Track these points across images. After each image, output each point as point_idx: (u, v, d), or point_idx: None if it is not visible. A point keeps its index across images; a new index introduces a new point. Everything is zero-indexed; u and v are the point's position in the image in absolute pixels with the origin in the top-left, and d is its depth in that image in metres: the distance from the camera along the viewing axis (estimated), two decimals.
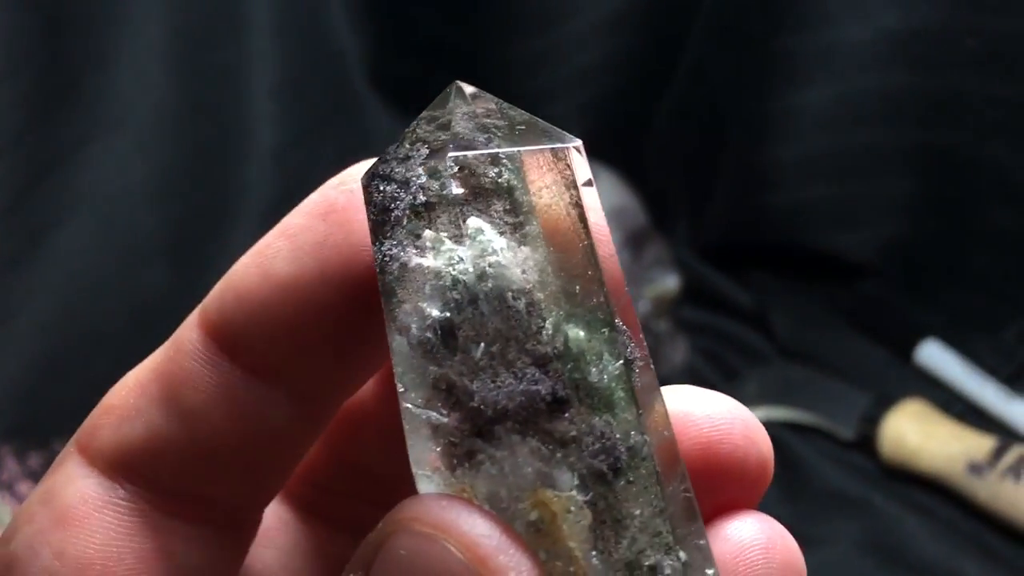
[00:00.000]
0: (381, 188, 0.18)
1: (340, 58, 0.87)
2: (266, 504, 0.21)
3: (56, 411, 0.70)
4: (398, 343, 0.17)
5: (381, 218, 0.17)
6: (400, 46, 0.89)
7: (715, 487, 0.20)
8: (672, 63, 0.84)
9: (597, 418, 0.17)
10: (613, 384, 0.17)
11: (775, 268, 0.85)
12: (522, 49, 0.84)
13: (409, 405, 0.17)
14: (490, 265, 0.17)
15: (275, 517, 0.22)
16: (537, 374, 0.17)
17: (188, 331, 0.19)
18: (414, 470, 0.17)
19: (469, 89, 0.19)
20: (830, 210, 0.80)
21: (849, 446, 0.72)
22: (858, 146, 0.78)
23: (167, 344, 0.20)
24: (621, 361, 0.17)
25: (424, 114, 0.18)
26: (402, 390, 0.17)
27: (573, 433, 0.17)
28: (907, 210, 0.79)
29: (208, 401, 0.19)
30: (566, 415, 0.17)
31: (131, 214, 0.76)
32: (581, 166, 0.18)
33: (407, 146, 0.18)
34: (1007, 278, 0.76)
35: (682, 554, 0.17)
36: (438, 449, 0.17)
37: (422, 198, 0.17)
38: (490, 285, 0.17)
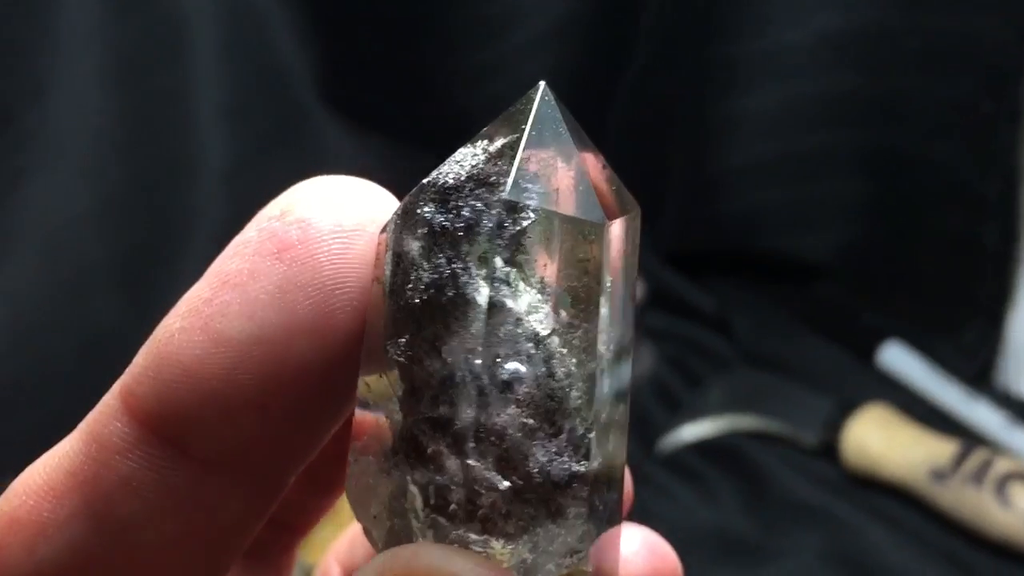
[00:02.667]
0: (483, 197, 0.16)
1: (287, 76, 0.86)
2: None
3: (6, 449, 0.68)
4: (437, 366, 0.15)
5: (459, 230, 0.16)
6: (347, 62, 0.88)
7: None
8: (617, 72, 0.84)
9: (610, 496, 0.17)
10: (621, 460, 0.17)
11: (735, 272, 0.85)
12: (468, 61, 0.83)
13: (470, 445, 0.16)
14: (560, 331, 0.16)
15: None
16: (569, 451, 0.16)
17: (111, 421, 0.16)
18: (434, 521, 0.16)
19: (553, 102, 0.17)
20: (783, 214, 0.80)
21: (812, 454, 0.71)
22: (806, 149, 0.77)
23: (82, 437, 0.16)
24: (623, 429, 0.17)
25: (520, 129, 0.17)
26: (469, 439, 0.15)
27: (600, 510, 0.16)
28: (859, 212, 0.78)
29: (150, 508, 0.16)
30: (608, 487, 0.16)
31: (77, 245, 0.75)
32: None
33: (518, 158, 0.16)
34: (963, 279, 0.75)
35: None
36: (464, 504, 0.16)
37: (529, 232, 0.16)
38: (578, 355, 0.16)
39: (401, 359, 0.16)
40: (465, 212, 0.16)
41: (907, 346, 0.76)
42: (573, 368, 0.16)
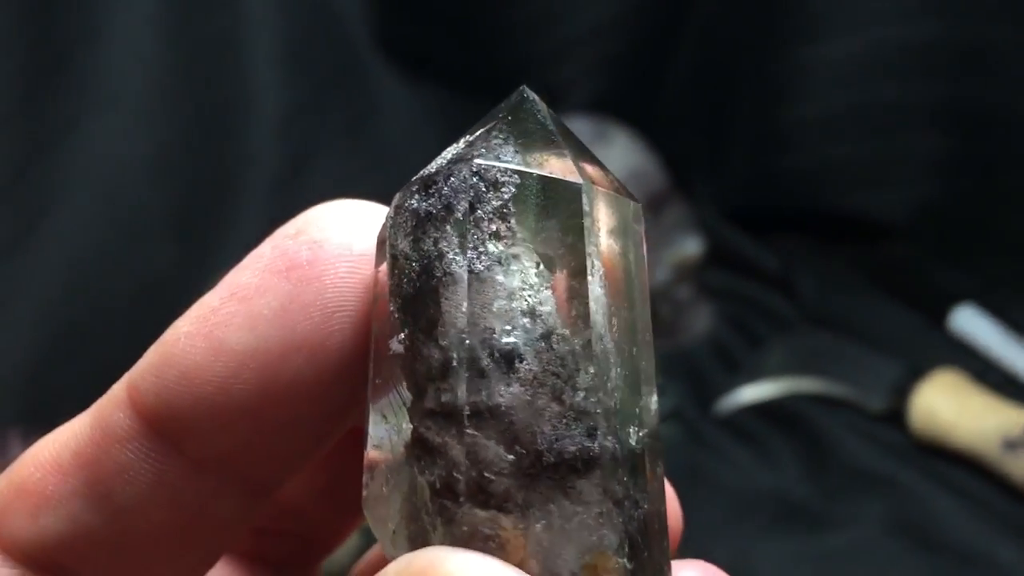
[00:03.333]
0: (461, 174, 0.16)
1: (342, 23, 0.84)
2: (212, 565, 0.19)
3: (63, 393, 0.69)
4: (435, 355, 0.15)
5: (440, 211, 0.16)
6: (402, 9, 0.86)
7: None
8: (683, 17, 0.81)
9: (634, 484, 0.16)
10: (641, 449, 0.16)
11: (801, 230, 0.82)
12: (525, 9, 0.80)
13: (468, 430, 0.15)
14: (577, 297, 0.16)
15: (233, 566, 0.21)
16: (603, 426, 0.16)
17: (116, 411, 0.17)
18: (442, 502, 0.15)
19: (536, 100, 0.17)
20: (855, 170, 0.76)
21: (878, 419, 0.69)
22: (883, 102, 0.74)
23: (89, 421, 0.17)
24: (649, 429, 0.16)
25: (498, 119, 0.17)
26: (465, 411, 0.15)
27: (621, 495, 0.16)
28: (937, 169, 0.74)
29: (144, 496, 0.17)
30: (616, 476, 0.16)
31: (131, 191, 0.75)
32: (630, 213, 0.17)
33: (495, 139, 0.16)
34: None
35: None
36: (474, 487, 0.15)
37: (510, 204, 0.16)
38: (574, 325, 0.16)
39: (402, 354, 0.16)
40: (445, 191, 0.16)
41: (982, 309, 0.73)
42: (577, 346, 0.16)
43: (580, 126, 0.82)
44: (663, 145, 0.83)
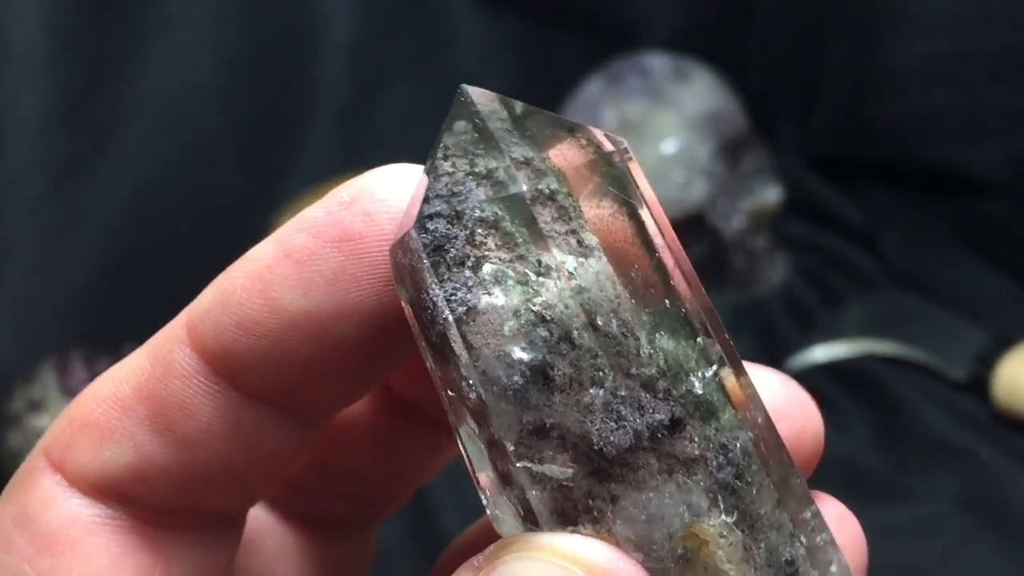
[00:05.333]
0: (430, 227, 0.16)
1: None
2: (258, 500, 0.21)
3: (126, 316, 0.69)
4: (485, 392, 0.16)
5: (435, 259, 0.16)
6: None
7: None
8: None
9: (710, 429, 0.16)
10: (713, 387, 0.16)
11: (888, 182, 0.77)
12: None
13: (516, 463, 0.16)
14: (573, 291, 0.16)
15: (258, 523, 0.22)
16: (651, 400, 0.16)
17: (177, 350, 0.18)
18: (522, 530, 0.16)
19: (478, 96, 0.17)
20: (953, 120, 0.72)
21: (958, 389, 0.65)
22: (986, 49, 0.69)
23: (148, 356, 0.18)
24: (715, 365, 0.16)
25: (446, 138, 0.17)
26: (508, 447, 0.16)
27: (697, 452, 0.16)
28: None
29: (206, 428, 0.18)
30: (685, 434, 0.16)
31: (198, 114, 0.74)
32: (623, 162, 0.17)
33: (447, 179, 0.16)
34: None
35: (803, 538, 0.17)
36: (550, 505, 0.16)
37: (477, 231, 0.16)
38: (580, 312, 0.16)
39: (452, 397, 0.16)
40: (413, 246, 0.16)
41: None
42: (591, 335, 0.16)
43: (658, 63, 0.79)
44: (746, 86, 0.79)
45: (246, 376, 0.17)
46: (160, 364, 0.18)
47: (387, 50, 0.80)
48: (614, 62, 0.79)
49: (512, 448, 0.16)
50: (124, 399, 0.18)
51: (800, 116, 0.81)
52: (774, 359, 0.70)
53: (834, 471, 0.61)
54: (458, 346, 0.16)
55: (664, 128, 0.76)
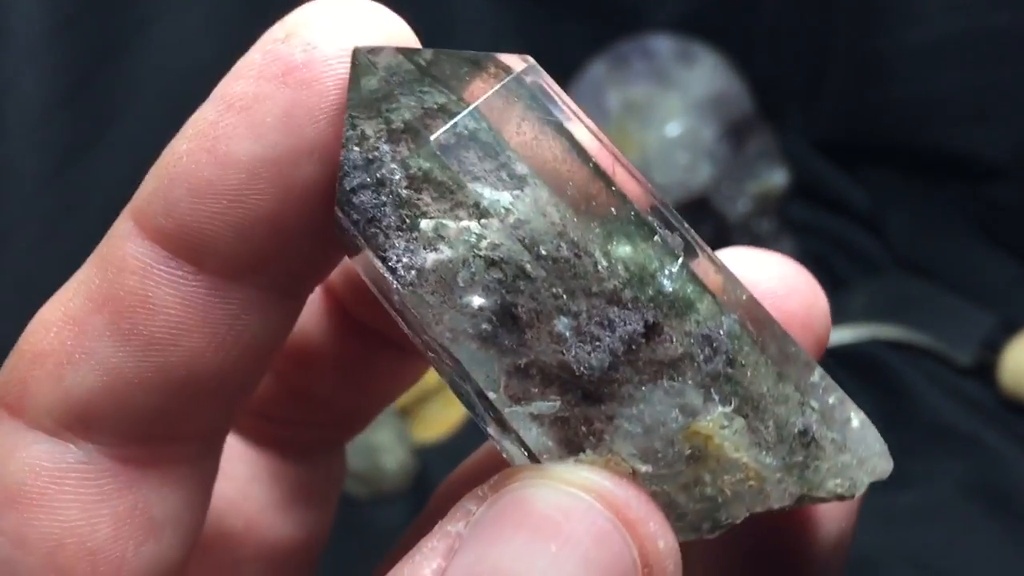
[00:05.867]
0: (356, 201, 0.16)
1: None
2: (230, 427, 0.19)
3: None
4: (456, 350, 0.15)
5: (371, 231, 0.16)
6: None
7: None
8: None
9: (689, 324, 0.16)
10: (684, 280, 0.16)
11: (896, 166, 0.76)
12: None
13: (505, 409, 0.16)
14: (514, 227, 0.15)
15: (229, 451, 0.21)
16: (619, 312, 0.15)
17: (125, 244, 0.16)
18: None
19: (378, 54, 0.16)
20: (961, 103, 0.71)
21: (964, 374, 0.65)
22: (995, 30, 0.68)
23: (95, 264, 0.16)
24: (680, 257, 0.16)
25: (352, 105, 0.16)
26: (493, 395, 0.15)
27: (680, 351, 0.16)
28: None
29: (175, 324, 0.16)
30: (664, 336, 0.15)
31: (201, 96, 0.73)
32: (536, 80, 0.17)
33: (361, 147, 0.16)
34: None
35: (813, 403, 0.16)
36: (553, 437, 0.16)
37: (404, 192, 0.15)
38: (527, 249, 0.15)
39: (432, 357, 0.16)
40: (346, 223, 0.16)
41: None
42: (542, 264, 0.15)
43: (663, 45, 0.78)
44: (751, 68, 0.78)
45: (210, 250, 0.16)
46: (111, 265, 0.16)
47: None
48: (618, 45, 0.79)
49: (497, 396, 0.15)
50: (76, 315, 0.16)
51: (806, 99, 0.80)
52: None
53: None
54: (420, 311, 0.15)
55: (669, 111, 0.76)
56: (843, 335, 0.68)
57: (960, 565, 0.54)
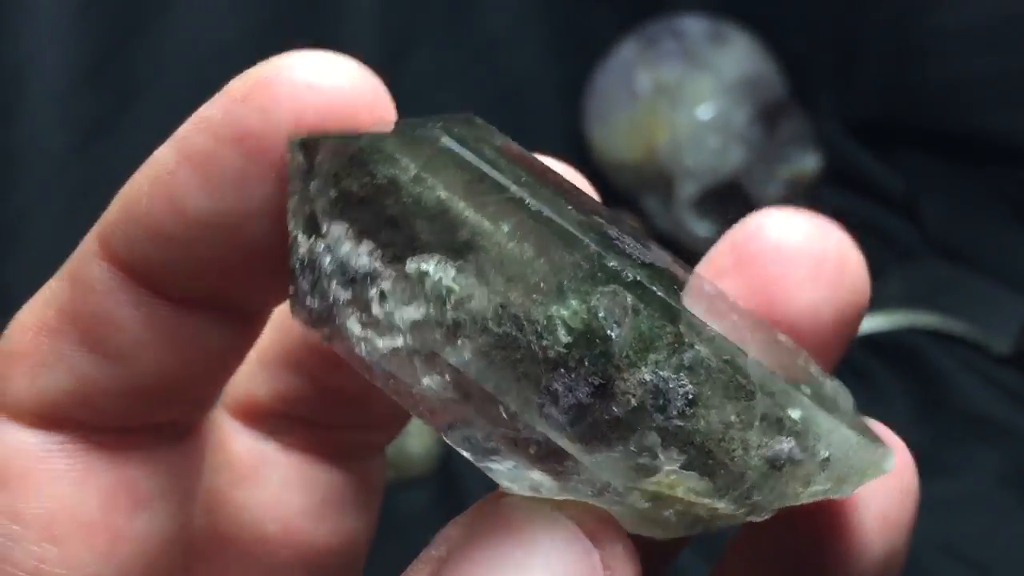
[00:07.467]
0: (308, 307, 0.16)
1: None
2: (209, 409, 0.20)
3: None
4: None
5: (332, 329, 0.16)
6: None
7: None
8: None
9: (646, 370, 0.14)
10: (635, 322, 0.14)
11: (932, 150, 0.75)
12: None
13: (477, 463, 0.16)
14: (454, 307, 0.15)
15: (260, 455, 0.21)
16: (567, 377, 0.14)
17: (91, 263, 0.17)
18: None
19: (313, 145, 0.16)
20: (1001, 86, 0.69)
21: (1002, 362, 0.63)
22: None
23: (66, 276, 0.17)
24: (629, 294, 0.14)
25: (290, 206, 0.16)
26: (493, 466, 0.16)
27: (633, 403, 0.14)
28: None
29: (137, 342, 0.17)
30: (616, 391, 0.14)
31: (224, 75, 0.72)
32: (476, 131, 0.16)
33: (301, 252, 0.16)
34: None
35: (792, 413, 0.15)
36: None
37: (348, 291, 0.15)
38: (470, 331, 0.15)
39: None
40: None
41: None
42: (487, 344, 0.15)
43: (694, 26, 0.77)
44: (784, 50, 0.77)
45: (164, 284, 0.17)
46: (79, 282, 0.17)
47: (414, 13, 0.79)
48: (648, 25, 0.78)
49: (471, 454, 0.16)
50: (49, 323, 0.17)
51: (840, 81, 0.79)
52: None
53: None
54: (397, 378, 0.16)
55: (700, 93, 0.74)
56: (878, 322, 0.67)
57: (999, 555, 0.53)
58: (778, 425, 0.15)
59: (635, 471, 0.15)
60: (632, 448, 0.15)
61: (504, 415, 0.15)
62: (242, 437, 0.21)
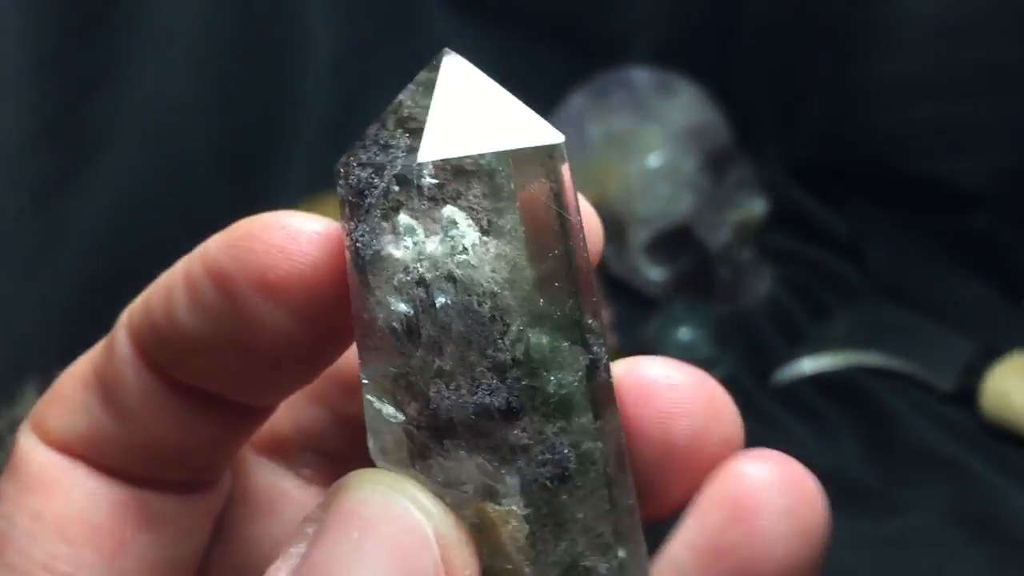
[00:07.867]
0: (355, 173, 0.17)
1: None
2: (221, 472, 0.21)
3: (106, 335, 0.68)
4: (367, 330, 0.17)
5: (356, 201, 0.17)
6: None
7: (671, 466, 0.19)
8: None
9: (550, 427, 0.17)
10: (572, 391, 0.17)
11: (874, 195, 0.77)
12: None
13: (370, 397, 0.17)
14: (458, 265, 0.17)
15: (278, 490, 0.23)
16: (494, 382, 0.17)
17: (120, 331, 0.19)
18: (376, 459, 0.17)
19: (459, 63, 0.18)
20: (937, 134, 0.72)
21: (946, 400, 0.65)
22: (970, 61, 0.69)
23: (106, 340, 0.20)
24: (583, 368, 0.17)
25: (411, 88, 0.18)
26: (364, 380, 0.17)
27: (524, 442, 0.17)
28: (1022, 134, 0.69)
29: (142, 408, 0.19)
30: (519, 424, 0.17)
31: (182, 131, 0.73)
32: (561, 162, 0.18)
33: (389, 128, 0.17)
34: None
35: (620, 552, 0.17)
36: (395, 440, 0.17)
37: (395, 187, 0.17)
38: (455, 287, 0.17)
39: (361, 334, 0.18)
40: (352, 181, 0.17)
41: None
42: (455, 312, 0.16)
43: (642, 77, 0.79)
44: (729, 99, 0.79)
45: (166, 370, 0.19)
46: (109, 344, 0.19)
47: (369, 66, 0.80)
48: (598, 76, 0.79)
49: (368, 383, 0.17)
50: (84, 375, 0.20)
51: (784, 128, 0.81)
52: (761, 371, 0.70)
53: (822, 484, 0.61)
54: (365, 279, 0.17)
55: (649, 142, 0.76)
56: (825, 362, 0.69)
57: None
58: (606, 551, 0.17)
59: (484, 488, 0.17)
60: (491, 469, 0.17)
61: (432, 367, 0.17)
62: (262, 471, 0.23)
